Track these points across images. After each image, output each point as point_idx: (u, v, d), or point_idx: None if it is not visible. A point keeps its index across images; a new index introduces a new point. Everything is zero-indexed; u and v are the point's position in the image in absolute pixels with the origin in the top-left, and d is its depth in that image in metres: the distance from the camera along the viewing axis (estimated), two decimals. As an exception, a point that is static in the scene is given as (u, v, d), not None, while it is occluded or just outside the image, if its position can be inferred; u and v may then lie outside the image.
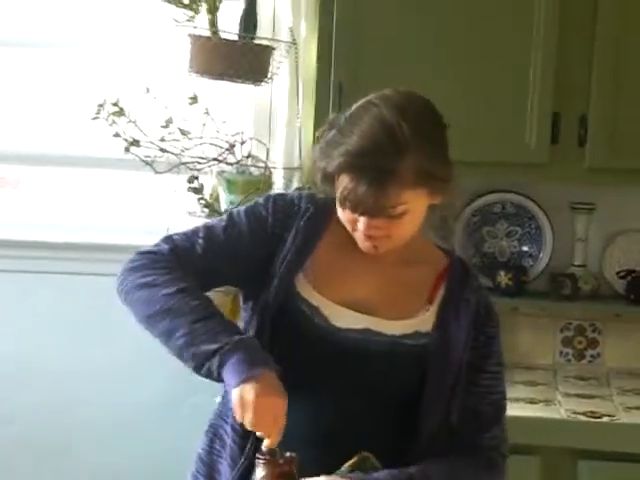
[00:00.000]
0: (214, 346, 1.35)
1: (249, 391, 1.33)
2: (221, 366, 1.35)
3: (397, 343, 1.45)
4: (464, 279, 1.50)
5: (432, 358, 1.45)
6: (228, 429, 1.50)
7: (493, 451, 1.49)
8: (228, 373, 1.34)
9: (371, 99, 1.42)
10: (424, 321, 1.47)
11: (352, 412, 1.45)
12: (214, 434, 1.54)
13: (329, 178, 1.41)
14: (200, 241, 1.48)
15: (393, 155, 1.35)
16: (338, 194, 1.40)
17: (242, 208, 1.53)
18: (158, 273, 1.44)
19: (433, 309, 1.48)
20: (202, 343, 1.36)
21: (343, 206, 1.41)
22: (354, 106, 1.43)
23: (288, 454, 1.35)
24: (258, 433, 1.36)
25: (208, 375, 1.37)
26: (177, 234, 1.52)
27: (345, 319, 1.45)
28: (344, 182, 1.38)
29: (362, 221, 1.40)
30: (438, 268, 1.51)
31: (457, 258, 1.55)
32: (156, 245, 1.50)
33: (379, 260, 1.48)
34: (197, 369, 1.37)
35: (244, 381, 1.33)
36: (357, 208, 1.39)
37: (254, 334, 1.47)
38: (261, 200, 1.53)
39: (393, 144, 1.35)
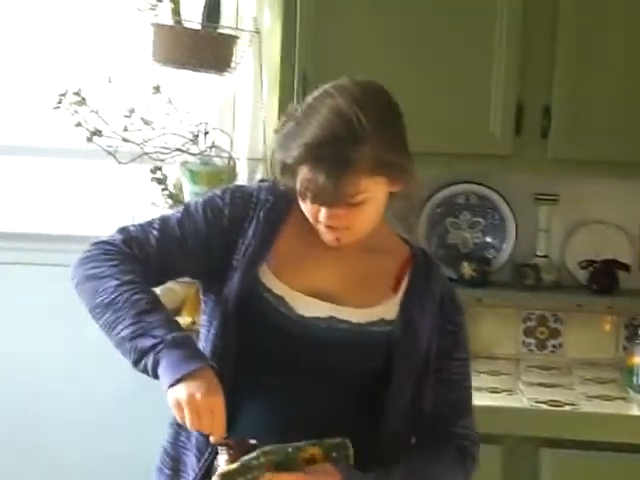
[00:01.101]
0: (149, 342, 1.35)
1: (182, 392, 1.32)
2: (155, 365, 1.35)
3: (362, 330, 1.45)
4: (427, 269, 1.51)
5: (397, 345, 1.46)
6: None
7: (466, 440, 1.50)
8: (162, 373, 1.34)
9: (327, 89, 1.42)
10: (389, 309, 1.47)
11: (319, 400, 1.45)
12: (179, 426, 1.52)
13: (289, 170, 1.42)
14: (154, 232, 1.48)
15: (350, 144, 1.36)
16: (298, 186, 1.41)
17: (199, 200, 1.53)
18: (107, 265, 1.43)
19: (397, 297, 1.49)
20: (139, 338, 1.36)
21: (304, 198, 1.42)
22: (310, 97, 1.44)
23: (250, 441, 1.36)
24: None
25: (144, 372, 1.37)
26: (133, 225, 1.51)
27: (310, 308, 1.46)
28: (303, 173, 1.39)
29: (323, 211, 1.41)
30: (401, 258, 1.52)
31: (419, 248, 1.56)
32: (110, 236, 1.49)
33: (342, 249, 1.48)
34: (134, 364, 1.38)
35: (177, 381, 1.33)
36: (317, 198, 1.39)
37: (218, 326, 1.46)
38: (218, 192, 1.52)
39: (350, 133, 1.36)
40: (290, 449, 1.36)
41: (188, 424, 1.35)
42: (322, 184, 1.36)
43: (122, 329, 1.37)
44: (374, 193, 1.40)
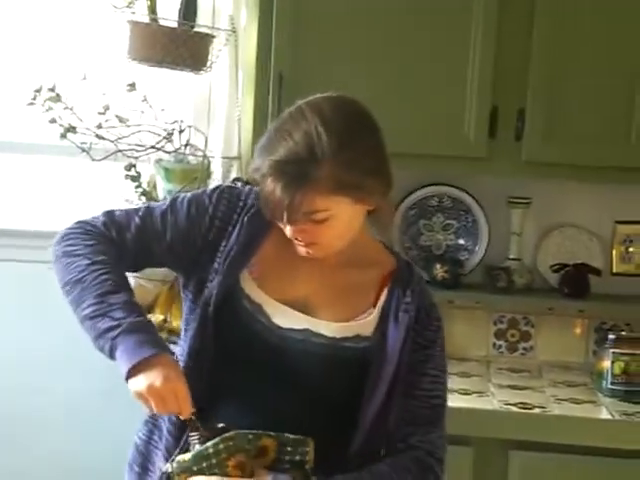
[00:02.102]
0: (107, 324, 1.37)
1: (141, 383, 1.34)
2: (112, 349, 1.37)
3: (336, 346, 1.45)
4: (407, 283, 1.50)
5: (371, 362, 1.45)
6: (165, 419, 1.50)
7: (428, 455, 1.48)
8: (118, 357, 1.36)
9: (300, 106, 1.44)
10: (366, 324, 1.47)
11: (290, 410, 1.45)
12: (153, 424, 1.53)
13: (258, 184, 1.43)
14: (136, 219, 1.50)
15: (309, 163, 1.36)
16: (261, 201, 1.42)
17: (187, 195, 1.54)
18: (82, 244, 1.46)
19: (375, 313, 1.48)
20: (98, 318, 1.38)
21: (266, 214, 1.43)
22: (285, 112, 1.45)
23: (219, 425, 1.38)
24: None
25: (102, 352, 1.39)
26: (119, 210, 1.53)
27: (287, 318, 1.46)
28: (266, 187, 1.40)
29: (287, 227, 1.42)
30: (384, 271, 1.52)
31: (404, 261, 1.55)
32: (94, 216, 1.52)
33: (324, 261, 1.49)
34: (94, 343, 1.39)
35: (134, 369, 1.35)
36: (274, 213, 1.41)
37: (196, 327, 1.47)
38: (208, 190, 1.54)
39: (310, 153, 1.37)
40: (251, 436, 1.38)
41: (155, 410, 1.36)
42: (278, 199, 1.37)
43: (85, 307, 1.39)
44: (337, 212, 1.40)
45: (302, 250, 1.45)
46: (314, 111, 1.40)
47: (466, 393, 2.28)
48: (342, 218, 1.42)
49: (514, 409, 2.18)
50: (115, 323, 1.37)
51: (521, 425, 2.16)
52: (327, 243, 1.44)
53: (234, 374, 1.45)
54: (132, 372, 1.35)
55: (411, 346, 1.47)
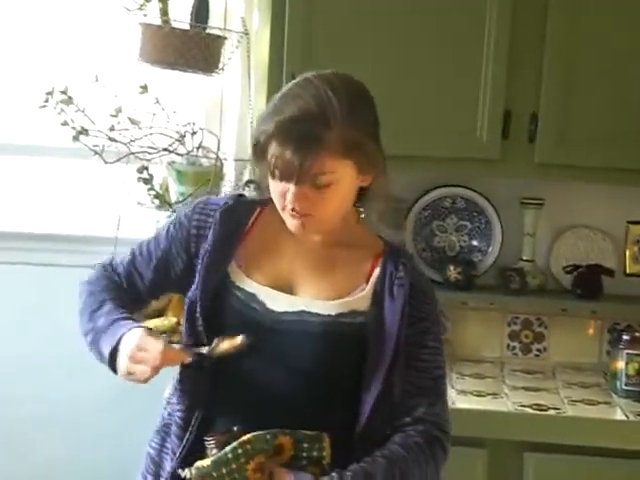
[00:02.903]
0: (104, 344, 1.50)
1: (121, 359, 1.44)
2: (100, 353, 1.48)
3: (334, 323, 1.47)
4: (399, 260, 1.52)
5: (369, 335, 1.46)
6: (173, 424, 1.52)
7: (435, 428, 1.49)
8: (104, 352, 1.48)
9: (307, 76, 1.47)
10: (360, 300, 1.49)
11: (295, 394, 1.46)
12: (165, 432, 1.55)
13: (261, 149, 1.45)
14: (128, 256, 1.62)
15: (321, 124, 1.40)
16: (269, 164, 1.44)
17: (169, 219, 1.65)
18: (85, 294, 1.62)
19: (369, 289, 1.50)
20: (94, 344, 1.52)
21: (273, 176, 1.44)
22: (291, 83, 1.48)
23: (235, 427, 1.40)
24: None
25: (108, 365, 1.48)
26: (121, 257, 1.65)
27: (280, 302, 1.48)
28: (273, 150, 1.42)
29: (290, 190, 1.42)
30: (373, 252, 1.54)
31: (391, 242, 1.57)
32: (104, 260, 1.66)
33: (311, 243, 1.51)
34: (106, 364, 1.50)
35: (115, 351, 1.45)
36: (283, 175, 1.42)
37: (186, 327, 1.52)
38: (187, 208, 1.60)
39: (322, 114, 1.40)
40: (268, 436, 1.39)
41: (147, 375, 1.42)
42: (289, 159, 1.40)
43: (87, 337, 1.54)
44: (341, 177, 1.43)
45: (295, 224, 1.46)
46: (322, 79, 1.45)
47: (480, 395, 2.28)
48: (343, 186, 1.44)
49: (528, 411, 2.18)
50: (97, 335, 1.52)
51: (536, 427, 2.16)
52: (322, 216, 1.45)
53: (236, 365, 1.46)
54: (114, 357, 1.45)
55: (409, 320, 1.48)
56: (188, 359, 1.44)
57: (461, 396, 2.26)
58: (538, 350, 2.61)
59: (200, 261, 1.51)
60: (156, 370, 1.41)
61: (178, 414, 1.52)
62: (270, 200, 1.51)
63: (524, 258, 2.56)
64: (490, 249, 2.58)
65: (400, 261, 1.51)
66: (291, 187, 1.42)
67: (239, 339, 1.42)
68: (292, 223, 1.46)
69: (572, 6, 2.24)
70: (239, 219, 1.53)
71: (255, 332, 1.46)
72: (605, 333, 2.59)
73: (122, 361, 1.44)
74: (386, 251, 1.53)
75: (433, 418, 1.49)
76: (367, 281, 1.50)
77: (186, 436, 1.49)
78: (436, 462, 1.48)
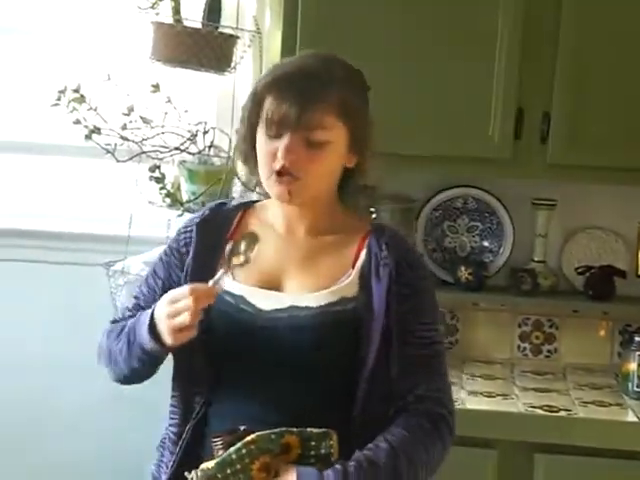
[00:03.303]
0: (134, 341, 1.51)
1: (163, 330, 1.42)
2: (140, 343, 1.47)
3: (325, 313, 1.46)
4: (382, 239, 1.51)
5: (362, 319, 1.46)
6: (167, 441, 1.55)
7: (438, 405, 1.48)
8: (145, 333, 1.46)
9: (306, 52, 1.54)
10: (348, 286, 1.48)
11: (296, 389, 1.46)
12: (163, 447, 1.57)
13: (258, 104, 1.46)
14: (133, 299, 1.62)
15: (322, 80, 1.44)
16: (262, 120, 1.46)
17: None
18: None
19: (355, 273, 1.49)
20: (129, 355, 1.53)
21: (267, 130, 1.45)
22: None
23: (240, 427, 1.40)
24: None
25: (149, 356, 1.48)
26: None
27: (270, 301, 1.48)
28: (269, 104, 1.45)
29: (283, 143, 1.43)
30: (359, 235, 1.53)
31: (377, 223, 1.57)
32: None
33: (293, 236, 1.52)
34: (147, 365, 1.51)
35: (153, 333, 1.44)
36: (280, 125, 1.43)
37: None
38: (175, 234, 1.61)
39: (323, 71, 1.46)
40: (273, 435, 1.38)
41: (175, 322, 1.40)
42: (287, 110, 1.42)
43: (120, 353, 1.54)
44: (334, 140, 1.45)
45: (281, 190, 1.45)
46: (323, 52, 1.52)
47: (490, 395, 2.27)
48: (334, 152, 1.46)
49: (539, 412, 2.17)
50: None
51: (546, 428, 2.15)
52: (308, 180, 1.45)
53: (234, 368, 1.48)
54: (154, 328, 1.44)
55: (398, 298, 1.47)
56: (218, 288, 1.43)
57: (471, 397, 2.25)
58: (549, 351, 2.60)
59: (184, 275, 1.52)
60: (195, 312, 1.39)
61: (171, 428, 1.53)
62: (252, 202, 1.55)
63: (536, 259, 2.55)
64: (501, 250, 2.57)
65: (384, 240, 1.50)
66: (284, 140, 1.43)
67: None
68: (278, 189, 1.46)
69: (586, 4, 2.23)
70: (220, 226, 1.54)
71: (248, 334, 1.47)
72: (617, 334, 2.58)
73: (163, 326, 1.42)
74: (370, 232, 1.52)
75: (435, 394, 1.48)
76: (354, 266, 1.50)
77: (177, 450, 1.50)
78: (442, 440, 1.47)
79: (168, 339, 1.42)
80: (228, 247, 1.48)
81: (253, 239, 1.47)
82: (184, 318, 1.38)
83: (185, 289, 1.40)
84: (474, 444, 2.12)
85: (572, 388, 2.38)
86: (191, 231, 1.55)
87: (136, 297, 1.60)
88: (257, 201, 1.60)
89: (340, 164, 1.49)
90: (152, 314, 1.45)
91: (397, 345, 1.46)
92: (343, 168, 1.51)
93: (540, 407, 2.20)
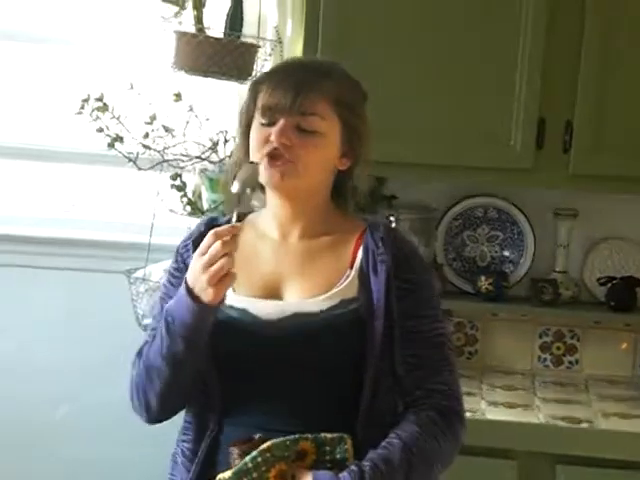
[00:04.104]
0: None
1: (204, 285, 1.38)
2: (172, 319, 1.44)
3: (328, 317, 1.46)
4: (379, 235, 1.51)
5: (364, 319, 1.46)
6: (179, 453, 1.54)
7: (447, 397, 1.47)
8: (182, 309, 1.43)
9: None
10: (348, 287, 1.48)
11: (306, 396, 1.46)
12: (174, 462, 1.57)
13: (255, 93, 1.49)
14: (154, 322, 1.58)
15: (318, 73, 1.48)
16: (257, 110, 1.48)
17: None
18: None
19: (353, 274, 1.49)
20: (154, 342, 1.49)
21: (261, 117, 1.47)
22: None
23: (255, 436, 1.40)
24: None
25: (181, 337, 1.44)
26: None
27: (272, 311, 1.48)
28: (263, 94, 1.47)
29: (276, 127, 1.44)
30: (355, 234, 1.53)
31: (372, 221, 1.56)
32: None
33: (288, 241, 1.52)
34: (180, 343, 1.45)
35: (192, 295, 1.40)
36: (274, 110, 1.45)
37: None
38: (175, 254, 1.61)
39: (320, 67, 1.50)
40: (288, 442, 1.39)
41: (212, 272, 1.37)
42: (281, 96, 1.44)
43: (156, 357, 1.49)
44: (326, 131, 1.46)
45: (273, 173, 1.45)
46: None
47: (511, 406, 2.26)
48: (325, 144, 1.47)
49: (561, 423, 2.16)
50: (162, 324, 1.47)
51: (568, 440, 2.13)
52: (300, 167, 1.44)
53: (244, 380, 1.48)
54: (193, 295, 1.40)
55: (398, 293, 1.47)
56: (238, 226, 1.40)
57: (492, 407, 2.24)
58: (570, 362, 2.58)
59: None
60: (229, 254, 1.36)
61: (185, 444, 1.53)
62: (245, 214, 1.51)
63: (557, 269, 2.54)
64: (522, 260, 2.56)
65: (379, 237, 1.50)
66: (279, 123, 1.44)
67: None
68: (269, 172, 1.45)
69: (609, 11, 2.21)
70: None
71: (255, 346, 1.47)
72: (639, 346, 2.56)
73: (201, 283, 1.38)
74: (366, 230, 1.52)
75: (442, 387, 1.47)
76: (352, 266, 1.50)
77: (192, 467, 1.50)
78: (453, 432, 1.46)
79: (209, 293, 1.38)
80: (234, 187, 1.42)
81: (255, 184, 1.44)
82: (221, 263, 1.36)
83: (208, 238, 1.38)
84: (494, 455, 2.11)
85: (594, 399, 2.36)
86: (189, 250, 1.54)
87: (153, 328, 1.54)
88: (248, 214, 1.57)
89: (332, 161, 1.50)
90: (185, 284, 1.42)
91: (400, 341, 1.46)
92: (336, 171, 1.52)
93: (561, 418, 2.18)
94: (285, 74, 1.49)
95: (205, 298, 1.39)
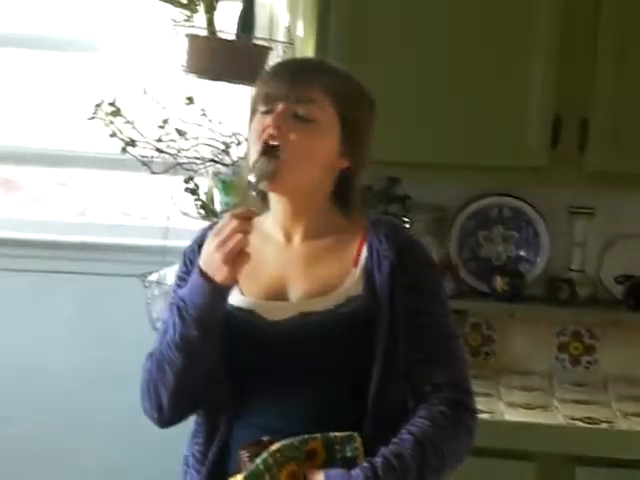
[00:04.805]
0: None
1: (219, 264, 1.39)
2: (183, 305, 1.44)
3: (333, 316, 1.46)
4: (381, 232, 1.51)
5: (370, 316, 1.46)
6: (191, 458, 1.54)
7: (456, 391, 1.47)
8: (195, 294, 1.43)
9: None
10: (352, 285, 1.48)
11: (314, 394, 1.46)
12: (186, 464, 1.56)
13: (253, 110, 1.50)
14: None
15: (318, 68, 1.51)
16: (258, 101, 1.49)
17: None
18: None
19: (358, 272, 1.49)
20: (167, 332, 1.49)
21: (260, 106, 1.48)
22: None
23: (263, 439, 1.40)
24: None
25: (197, 323, 1.44)
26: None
27: (279, 311, 1.48)
28: (261, 85, 1.50)
29: (273, 114, 1.45)
30: (358, 232, 1.53)
31: (375, 218, 1.56)
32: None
33: (293, 242, 1.52)
34: (191, 329, 1.45)
35: (205, 275, 1.41)
36: (272, 98, 1.46)
37: None
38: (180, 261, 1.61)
39: (322, 64, 1.54)
40: (297, 443, 1.38)
41: (226, 249, 1.38)
42: (279, 83, 1.46)
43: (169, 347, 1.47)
44: (323, 121, 1.46)
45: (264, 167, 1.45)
46: None
47: (529, 407, 2.24)
48: (322, 133, 1.47)
49: (579, 424, 2.14)
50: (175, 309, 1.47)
51: (587, 440, 2.11)
52: (292, 151, 1.44)
53: (254, 382, 1.48)
54: (205, 275, 1.41)
55: (402, 288, 1.46)
56: (253, 209, 1.42)
57: (510, 409, 2.22)
58: (588, 362, 2.56)
59: None
60: (244, 233, 1.37)
61: (196, 447, 1.52)
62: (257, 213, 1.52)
63: (573, 268, 2.52)
64: (538, 259, 2.54)
65: (382, 233, 1.50)
66: (276, 109, 1.45)
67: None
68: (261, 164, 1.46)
69: (625, 9, 2.19)
70: None
71: (263, 347, 1.47)
72: (658, 345, 2.54)
73: (215, 262, 1.39)
74: (369, 227, 1.52)
75: (452, 381, 1.47)
76: (356, 264, 1.49)
77: (203, 469, 1.50)
78: (465, 424, 1.46)
79: (224, 271, 1.38)
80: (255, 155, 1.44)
81: (272, 155, 1.44)
82: (235, 240, 1.36)
83: (224, 219, 1.39)
84: (513, 456, 2.09)
85: (613, 400, 2.34)
86: (195, 252, 1.53)
87: (164, 331, 1.52)
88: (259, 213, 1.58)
89: (328, 157, 1.49)
90: (199, 267, 1.42)
91: (407, 336, 1.46)
92: (337, 171, 1.51)
93: (581, 419, 2.16)
94: (285, 65, 1.55)
95: (219, 277, 1.39)
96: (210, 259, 1.40)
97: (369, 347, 1.45)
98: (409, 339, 1.46)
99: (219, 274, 1.39)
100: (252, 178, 1.42)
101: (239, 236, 1.37)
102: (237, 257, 1.38)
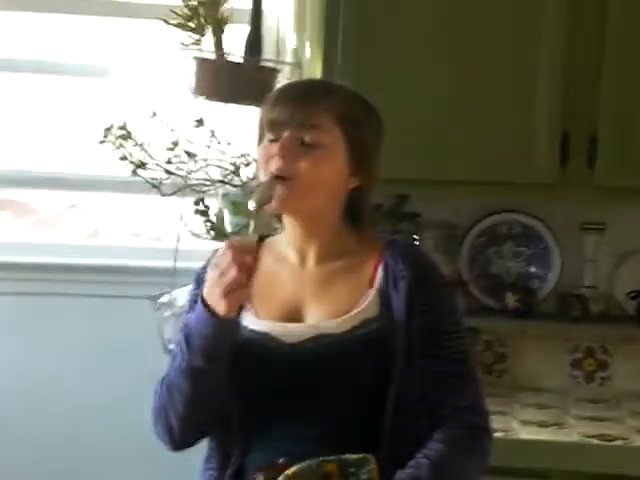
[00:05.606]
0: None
1: (219, 298, 1.38)
2: (187, 335, 1.44)
3: (350, 338, 1.46)
4: (397, 253, 1.50)
5: (387, 337, 1.45)
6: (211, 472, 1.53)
7: (473, 414, 1.47)
8: (202, 320, 1.42)
9: None
10: (368, 307, 1.48)
11: (329, 416, 1.45)
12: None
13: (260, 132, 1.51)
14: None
15: (323, 89, 1.52)
16: (264, 128, 1.49)
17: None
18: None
19: (373, 293, 1.49)
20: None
21: (267, 134, 1.47)
22: None
23: (279, 461, 1.39)
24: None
25: (211, 348, 1.43)
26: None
27: (295, 333, 1.48)
28: (265, 111, 1.49)
29: (279, 143, 1.45)
30: (373, 253, 1.52)
31: (389, 238, 1.56)
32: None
33: (307, 264, 1.51)
34: (200, 359, 1.44)
35: (208, 306, 1.40)
36: (277, 125, 1.46)
37: None
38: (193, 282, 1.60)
39: (322, 85, 1.56)
40: (313, 466, 1.38)
41: (225, 281, 1.37)
42: (281, 109, 1.45)
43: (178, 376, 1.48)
44: (329, 144, 1.46)
45: (275, 195, 1.44)
46: None
47: (544, 425, 2.22)
48: (329, 157, 1.46)
49: (594, 441, 2.12)
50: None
51: (602, 457, 2.09)
52: (302, 181, 1.43)
53: (269, 405, 1.47)
54: (208, 307, 1.40)
55: (419, 309, 1.46)
56: (254, 238, 1.42)
57: (524, 426, 2.21)
58: (602, 378, 2.54)
59: None
60: (243, 267, 1.34)
61: (210, 472, 1.52)
62: (264, 237, 1.54)
63: (585, 284, 2.50)
64: (549, 275, 2.53)
65: (398, 253, 1.49)
66: (281, 138, 1.44)
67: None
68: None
69: (631, 25, 2.19)
70: None
71: (279, 370, 1.47)
72: (672, 360, 2.52)
73: (215, 295, 1.37)
74: (385, 248, 1.52)
75: (467, 403, 1.47)
76: (371, 285, 1.49)
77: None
78: (481, 448, 1.46)
79: (223, 305, 1.37)
80: (250, 205, 1.43)
81: (270, 185, 1.44)
82: (232, 274, 1.34)
83: (225, 250, 1.37)
84: (529, 475, 2.07)
85: (628, 416, 2.32)
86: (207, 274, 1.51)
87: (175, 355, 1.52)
88: (267, 236, 1.59)
89: (337, 178, 1.48)
90: (202, 296, 1.42)
91: (422, 358, 1.46)
92: (347, 191, 1.51)
93: (595, 436, 2.15)
94: (287, 90, 1.53)
95: (219, 311, 1.39)
96: (211, 292, 1.40)
97: (385, 367, 1.45)
98: (425, 359, 1.46)
99: (219, 308, 1.39)
100: (252, 203, 1.41)
101: (233, 273, 1.35)
102: (235, 291, 1.36)
